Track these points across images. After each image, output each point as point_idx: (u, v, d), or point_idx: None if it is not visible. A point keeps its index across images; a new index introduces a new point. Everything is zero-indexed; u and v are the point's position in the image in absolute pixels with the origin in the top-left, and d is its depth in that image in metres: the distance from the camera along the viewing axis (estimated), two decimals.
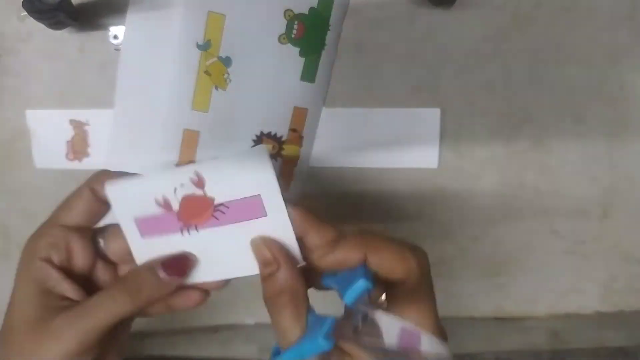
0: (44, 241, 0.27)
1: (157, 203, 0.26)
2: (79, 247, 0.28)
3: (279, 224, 0.26)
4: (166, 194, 0.26)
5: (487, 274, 0.49)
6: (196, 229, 0.27)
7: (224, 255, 0.27)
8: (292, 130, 0.45)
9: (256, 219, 0.26)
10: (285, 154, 0.45)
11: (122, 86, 0.43)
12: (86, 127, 0.44)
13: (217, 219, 0.26)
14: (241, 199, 0.26)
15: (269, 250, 0.26)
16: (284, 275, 0.26)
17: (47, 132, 0.44)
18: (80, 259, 0.28)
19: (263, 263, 0.26)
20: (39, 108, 0.43)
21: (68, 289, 0.27)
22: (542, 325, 0.51)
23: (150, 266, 0.27)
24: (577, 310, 0.51)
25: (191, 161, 0.29)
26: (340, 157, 0.46)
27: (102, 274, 0.29)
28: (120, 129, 0.44)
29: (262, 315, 0.49)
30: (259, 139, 0.44)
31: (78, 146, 0.44)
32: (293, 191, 0.46)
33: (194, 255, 0.27)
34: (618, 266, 0.49)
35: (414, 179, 0.46)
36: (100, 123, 0.44)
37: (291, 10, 0.43)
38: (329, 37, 0.44)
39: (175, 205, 0.27)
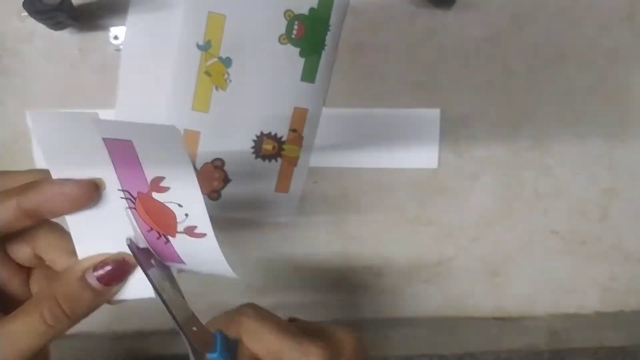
0: None
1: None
2: None
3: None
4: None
5: (486, 274, 0.49)
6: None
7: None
8: (293, 130, 0.45)
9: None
10: (285, 154, 0.45)
11: (123, 86, 0.43)
12: None
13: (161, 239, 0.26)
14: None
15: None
16: None
17: None
18: None
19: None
20: (40, 108, 0.43)
21: None
22: (542, 325, 0.51)
23: (80, 277, 0.24)
24: (577, 311, 0.50)
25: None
26: (340, 157, 0.46)
27: (11, 279, 0.26)
28: None
29: None
30: (259, 139, 0.44)
31: None
32: (293, 191, 0.46)
33: (132, 258, 0.25)
34: (618, 266, 0.49)
35: (414, 179, 0.46)
36: None
37: (291, 11, 0.43)
38: (329, 37, 0.44)
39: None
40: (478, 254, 0.48)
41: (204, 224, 0.25)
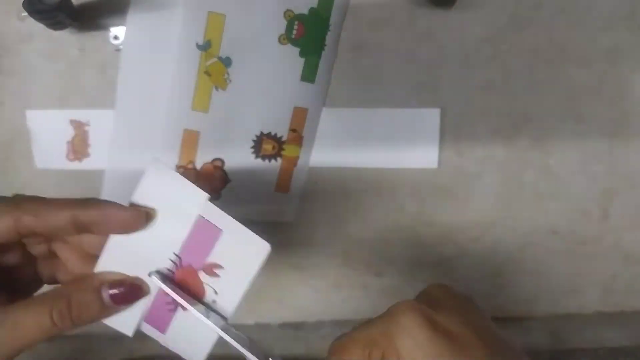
0: None
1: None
2: None
3: None
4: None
5: (487, 274, 0.49)
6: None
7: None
8: (292, 130, 0.45)
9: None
10: (285, 154, 0.45)
11: (123, 86, 0.43)
12: (86, 128, 0.44)
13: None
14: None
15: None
16: None
17: (48, 132, 0.44)
18: None
19: None
20: (39, 108, 0.43)
21: None
22: (542, 325, 0.51)
23: (96, 288, 0.25)
24: (577, 311, 0.50)
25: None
26: (340, 157, 0.46)
27: (23, 266, 0.27)
28: (121, 129, 0.44)
29: (261, 315, 0.49)
30: (259, 139, 0.44)
31: (78, 146, 0.44)
32: (293, 191, 0.46)
33: (147, 285, 0.26)
34: (618, 266, 0.49)
35: (414, 179, 0.46)
36: (100, 123, 0.44)
37: (291, 11, 0.43)
38: (329, 37, 0.44)
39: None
40: (478, 254, 0.48)
41: (224, 314, 0.27)
